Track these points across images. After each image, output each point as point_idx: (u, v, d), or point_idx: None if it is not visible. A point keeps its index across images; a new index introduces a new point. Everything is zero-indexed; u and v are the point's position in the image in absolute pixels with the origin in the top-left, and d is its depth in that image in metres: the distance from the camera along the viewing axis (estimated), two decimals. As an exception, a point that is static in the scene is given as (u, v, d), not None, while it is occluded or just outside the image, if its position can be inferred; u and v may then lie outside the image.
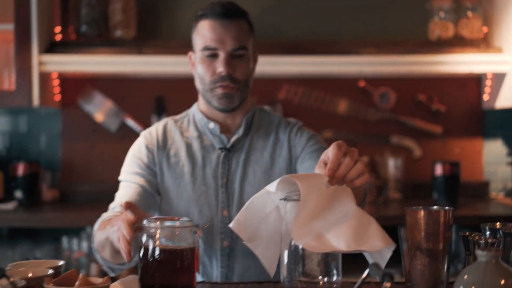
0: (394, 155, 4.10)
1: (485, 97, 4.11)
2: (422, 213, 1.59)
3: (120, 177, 2.31)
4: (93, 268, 3.58)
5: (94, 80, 4.11)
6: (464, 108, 4.21)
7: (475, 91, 4.20)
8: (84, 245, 3.75)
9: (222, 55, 2.18)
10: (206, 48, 2.19)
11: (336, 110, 4.17)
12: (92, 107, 4.09)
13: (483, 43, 3.96)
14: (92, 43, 3.89)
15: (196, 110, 2.36)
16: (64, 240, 3.79)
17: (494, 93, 3.99)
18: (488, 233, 1.70)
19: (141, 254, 1.59)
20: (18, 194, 3.79)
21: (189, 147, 2.28)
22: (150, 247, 1.57)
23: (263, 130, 2.33)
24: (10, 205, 3.67)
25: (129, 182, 2.25)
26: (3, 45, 3.89)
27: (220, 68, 2.18)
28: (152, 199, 2.23)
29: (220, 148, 2.27)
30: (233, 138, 2.28)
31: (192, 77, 4.07)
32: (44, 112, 4.11)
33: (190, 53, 2.33)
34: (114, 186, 3.97)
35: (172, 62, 3.78)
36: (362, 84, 4.15)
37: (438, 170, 3.76)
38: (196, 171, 2.24)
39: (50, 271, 1.62)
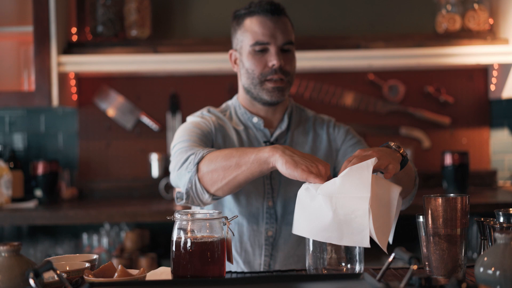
0: (404, 146, 4.16)
1: (492, 87, 4.18)
2: (440, 200, 1.67)
3: (176, 141, 2.24)
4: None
5: (110, 79, 4.19)
6: (471, 99, 4.28)
7: (482, 82, 4.27)
8: (104, 241, 3.82)
9: (273, 49, 2.26)
10: (257, 43, 2.27)
11: (346, 103, 4.24)
12: (107, 106, 4.17)
13: (490, 34, 4.02)
14: (109, 43, 3.97)
15: (238, 104, 2.42)
16: (84, 237, 3.87)
17: (501, 84, 4.06)
18: (502, 218, 1.78)
19: (173, 247, 1.65)
20: (38, 192, 3.87)
21: (239, 136, 2.34)
22: (182, 239, 1.64)
23: (302, 126, 2.42)
24: (30, 204, 3.75)
25: (194, 141, 2.20)
26: (22, 47, 3.97)
27: (273, 61, 2.25)
28: None
29: (265, 142, 2.34)
30: (277, 132, 2.36)
31: (207, 74, 4.19)
32: (61, 112, 4.20)
33: (230, 51, 2.40)
34: (131, 182, 4.11)
35: (187, 60, 3.86)
36: (371, 77, 4.22)
37: (448, 159, 3.84)
38: None
39: (87, 264, 1.69)
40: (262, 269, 2.27)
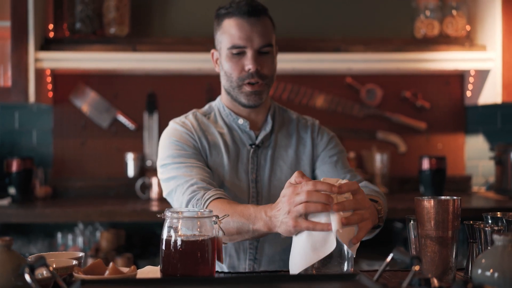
0: (380, 150, 4.19)
1: (468, 93, 4.21)
2: (432, 202, 1.67)
3: (165, 161, 2.23)
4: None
5: (86, 76, 4.15)
6: (448, 105, 4.31)
7: (458, 88, 4.30)
8: (79, 240, 3.78)
9: (250, 52, 2.21)
10: (233, 47, 2.22)
11: (323, 106, 4.24)
12: (83, 104, 4.12)
13: (467, 41, 4.06)
14: (87, 40, 3.93)
15: (221, 105, 2.38)
16: (58, 236, 3.82)
17: (477, 90, 4.10)
18: (490, 221, 1.79)
19: (163, 245, 1.62)
20: (12, 190, 3.80)
21: (224, 140, 2.30)
22: (172, 238, 1.61)
23: (285, 128, 2.39)
24: (4, 202, 3.69)
25: (185, 163, 2.19)
26: (-2, 42, 3.91)
27: (249, 65, 2.21)
28: (212, 176, 2.22)
29: (251, 145, 2.31)
30: (262, 134, 2.32)
31: (185, 74, 4.16)
32: (36, 109, 4.14)
33: (212, 51, 2.36)
34: (106, 181, 4.07)
35: (166, 59, 3.83)
36: (349, 80, 4.23)
37: (425, 164, 3.86)
38: (232, 163, 2.28)
39: (75, 262, 1.66)
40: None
